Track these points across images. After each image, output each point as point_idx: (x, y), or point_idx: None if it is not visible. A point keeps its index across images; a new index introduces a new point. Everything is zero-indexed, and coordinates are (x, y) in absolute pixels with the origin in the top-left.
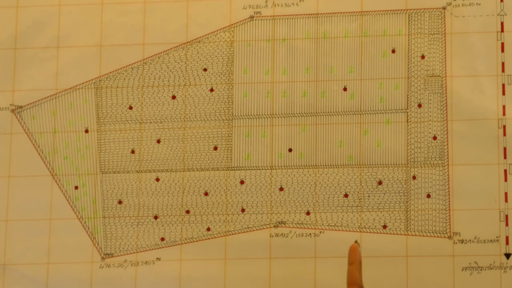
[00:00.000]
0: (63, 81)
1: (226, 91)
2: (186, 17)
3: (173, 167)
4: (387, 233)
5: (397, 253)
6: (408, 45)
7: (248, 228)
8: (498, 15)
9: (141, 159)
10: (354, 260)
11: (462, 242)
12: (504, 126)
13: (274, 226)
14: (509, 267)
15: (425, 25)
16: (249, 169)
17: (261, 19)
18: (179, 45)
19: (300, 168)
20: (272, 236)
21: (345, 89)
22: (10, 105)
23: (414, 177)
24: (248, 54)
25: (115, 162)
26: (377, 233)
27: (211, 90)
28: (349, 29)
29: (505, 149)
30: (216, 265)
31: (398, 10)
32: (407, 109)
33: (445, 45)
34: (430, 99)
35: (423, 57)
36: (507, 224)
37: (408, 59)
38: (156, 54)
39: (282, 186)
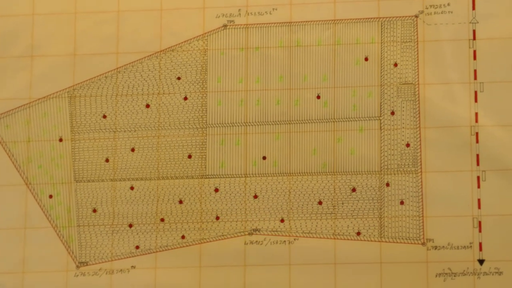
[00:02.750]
0: (37, 90)
1: (200, 100)
2: (159, 26)
3: (147, 176)
4: (361, 240)
5: (371, 260)
6: (381, 53)
7: (222, 235)
8: (470, 23)
9: (115, 168)
10: None
11: (435, 249)
12: (477, 133)
13: (249, 234)
14: (483, 273)
15: (397, 33)
16: (224, 177)
17: (234, 28)
18: (153, 54)
19: (274, 176)
20: (247, 244)
21: (318, 97)
22: None
23: (387, 184)
24: (221, 62)
25: (89, 170)
26: (351, 240)
27: (185, 98)
28: (322, 38)
29: (477, 156)
30: (191, 272)
31: (371, 18)
32: (380, 116)
33: (417, 53)
34: (403, 107)
35: (395, 65)
36: (480, 231)
37: (381, 67)
38: (130, 63)
39: (257, 194)
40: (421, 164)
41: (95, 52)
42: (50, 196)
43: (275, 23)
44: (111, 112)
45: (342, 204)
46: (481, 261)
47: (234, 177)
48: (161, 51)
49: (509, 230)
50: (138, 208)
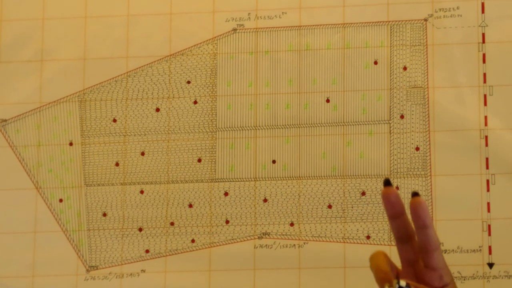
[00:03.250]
0: (47, 95)
1: (210, 103)
2: (169, 30)
3: (157, 179)
4: (371, 244)
5: None
6: (390, 57)
7: (232, 239)
8: (479, 26)
9: (125, 172)
10: (429, 222)
11: (445, 252)
12: (486, 137)
13: (258, 238)
14: (492, 276)
15: (407, 37)
16: (233, 181)
17: (244, 32)
18: (163, 58)
19: (283, 180)
20: (256, 248)
21: (328, 100)
22: None
23: (397, 188)
24: (231, 66)
25: (99, 174)
26: (361, 243)
27: (195, 102)
28: (332, 41)
29: (487, 159)
30: (201, 276)
31: (380, 22)
32: (390, 120)
33: (427, 57)
34: (413, 110)
35: (405, 68)
36: (489, 234)
37: (390, 71)
38: (140, 67)
39: (266, 198)
40: (430, 168)
41: (105, 56)
42: (60, 200)
43: (284, 27)
44: (121, 116)
45: (352, 207)
46: (490, 265)
47: (243, 181)
48: (171, 55)
49: None
50: (148, 212)
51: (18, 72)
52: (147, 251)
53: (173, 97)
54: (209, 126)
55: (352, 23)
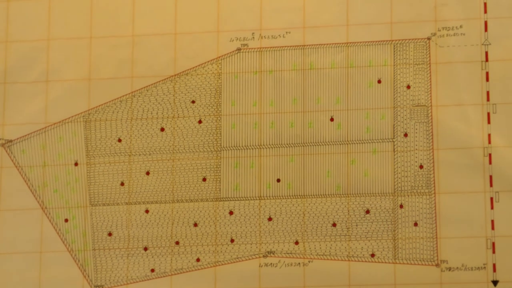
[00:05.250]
0: (52, 115)
1: (214, 123)
2: (174, 50)
3: (162, 199)
4: (375, 262)
5: (386, 282)
6: (394, 75)
7: (237, 258)
8: (482, 44)
9: (130, 191)
10: None
11: (449, 270)
12: (490, 155)
13: (263, 256)
14: None
15: (410, 56)
16: (238, 200)
17: (248, 51)
18: (167, 78)
19: (288, 198)
20: (262, 266)
21: (332, 119)
22: (0, 139)
23: (401, 206)
24: (235, 86)
25: (104, 194)
26: (365, 261)
27: (200, 122)
28: (335, 60)
29: (490, 177)
30: None
31: (383, 41)
32: (394, 138)
33: (430, 75)
34: (416, 129)
35: (408, 87)
36: (494, 252)
37: (394, 89)
38: (145, 87)
39: (271, 216)
40: (434, 186)
41: (110, 77)
42: (66, 220)
43: (288, 46)
44: (126, 136)
45: (356, 226)
46: (495, 282)
47: (248, 199)
48: (175, 75)
49: None
50: (153, 231)
51: (23, 93)
52: (152, 271)
53: (178, 117)
54: (214, 145)
55: (355, 42)
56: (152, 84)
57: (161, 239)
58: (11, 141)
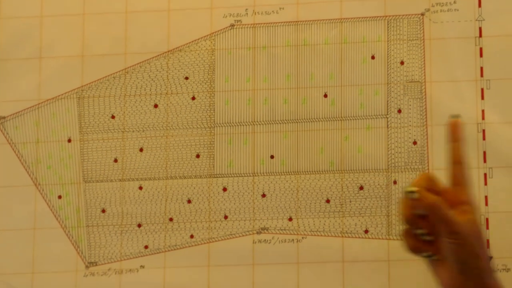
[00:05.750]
0: (45, 92)
1: (208, 99)
2: (167, 26)
3: (156, 175)
4: (369, 238)
5: (379, 258)
6: (387, 51)
7: (231, 235)
8: (476, 20)
9: (124, 168)
10: (458, 137)
11: None
12: (484, 130)
13: (257, 233)
14: None
15: (403, 31)
16: (232, 176)
17: (241, 27)
18: (161, 54)
19: (282, 175)
20: (255, 243)
21: (325, 95)
22: None
23: (395, 182)
24: (229, 62)
25: (98, 171)
26: (359, 238)
27: (193, 98)
28: (329, 36)
29: (484, 153)
30: (200, 272)
31: (377, 16)
32: (387, 114)
33: (424, 51)
34: (410, 105)
35: (402, 63)
36: (487, 228)
37: (388, 65)
38: (138, 64)
39: (265, 193)
40: (428, 162)
41: (103, 53)
42: (59, 197)
43: (282, 22)
44: (120, 112)
45: (350, 202)
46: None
47: (242, 176)
48: (168, 51)
49: None
50: (147, 208)
51: (16, 70)
52: (146, 247)
53: (171, 93)
54: (207, 122)
55: (349, 18)
56: (145, 61)
57: (155, 215)
58: (4, 117)
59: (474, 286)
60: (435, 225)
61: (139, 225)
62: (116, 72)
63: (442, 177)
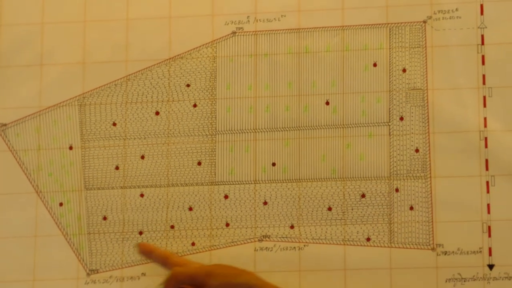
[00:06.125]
0: (46, 99)
1: (209, 107)
2: (168, 33)
3: (157, 183)
4: (371, 246)
5: (381, 266)
6: (389, 59)
7: (232, 242)
8: (478, 28)
9: (125, 175)
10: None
11: (445, 254)
12: (486, 138)
13: (259, 240)
14: (493, 278)
15: (406, 39)
16: (233, 184)
17: (243, 35)
18: (162, 61)
19: (283, 182)
20: (257, 250)
21: (327, 103)
22: None
23: (397, 190)
24: (230, 69)
25: (99, 178)
26: (361, 245)
27: (194, 105)
28: (331, 44)
29: (486, 161)
30: None
31: (379, 24)
32: (389, 122)
33: (426, 59)
34: (412, 112)
35: (404, 70)
36: (489, 235)
37: (390, 73)
38: (139, 71)
39: (266, 200)
40: (430, 170)
41: (105, 60)
42: (61, 204)
43: (283, 29)
44: (121, 119)
45: (352, 210)
46: (490, 266)
47: (243, 183)
48: (170, 58)
49: None
50: (148, 216)
51: (17, 77)
52: None
53: (173, 101)
54: (209, 129)
55: (351, 26)
56: (146, 68)
57: (156, 223)
58: (5, 124)
59: None
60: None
61: (141, 233)
62: (118, 79)
63: (446, 185)
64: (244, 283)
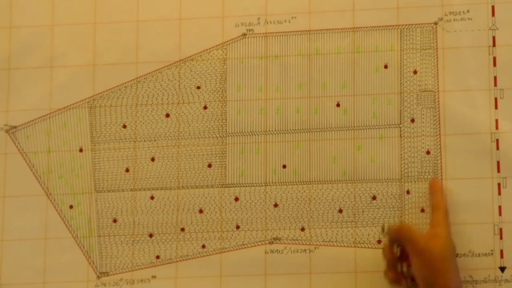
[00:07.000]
0: (57, 101)
1: (220, 109)
2: (179, 35)
3: (167, 185)
4: (382, 248)
5: None
6: (401, 61)
7: (243, 245)
8: (489, 29)
9: (135, 178)
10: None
11: (456, 256)
12: (497, 140)
13: (269, 243)
14: (504, 280)
15: (417, 41)
16: (244, 186)
17: (253, 37)
18: (172, 63)
19: (294, 184)
20: (267, 253)
21: (338, 105)
22: (4, 125)
23: (408, 192)
24: (241, 71)
25: (109, 180)
26: (372, 248)
27: (205, 107)
28: (342, 45)
29: (498, 162)
30: (212, 282)
31: (390, 26)
32: (400, 124)
33: (437, 60)
34: (423, 114)
35: (415, 72)
36: (501, 238)
37: (401, 75)
38: (150, 73)
39: (277, 203)
40: (441, 172)
41: (115, 62)
42: (71, 207)
43: (294, 31)
44: (131, 122)
45: (363, 212)
46: (502, 268)
47: (254, 186)
48: (180, 60)
49: None
50: (159, 218)
51: (28, 79)
52: (157, 257)
53: (183, 103)
54: (219, 131)
55: (362, 27)
56: (157, 70)
57: (167, 225)
58: (15, 127)
59: None
60: (409, 255)
61: (151, 235)
62: (128, 82)
63: (457, 187)
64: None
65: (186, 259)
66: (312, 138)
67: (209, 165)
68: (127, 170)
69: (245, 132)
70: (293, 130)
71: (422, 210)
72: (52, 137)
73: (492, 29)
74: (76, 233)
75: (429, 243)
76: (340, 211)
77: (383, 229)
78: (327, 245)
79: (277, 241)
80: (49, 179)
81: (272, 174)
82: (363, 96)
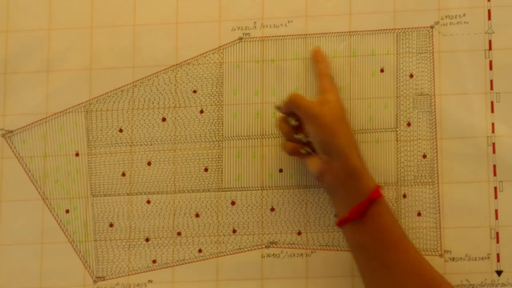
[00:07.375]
0: (53, 105)
1: (216, 113)
2: (175, 39)
3: (164, 189)
4: None
5: None
6: (397, 64)
7: (239, 249)
8: (486, 33)
9: (131, 182)
10: (321, 58)
11: (453, 260)
12: (494, 144)
13: (266, 247)
14: (501, 284)
15: (413, 44)
16: (240, 190)
17: (250, 41)
18: (169, 67)
19: (290, 188)
20: (264, 257)
21: None
22: (0, 129)
23: (404, 196)
24: (237, 75)
25: (106, 185)
26: None
27: (201, 111)
28: (338, 49)
29: (494, 166)
30: (208, 286)
31: (386, 29)
32: (397, 128)
33: (433, 64)
34: (419, 118)
35: (411, 76)
36: (498, 241)
37: (397, 78)
38: (146, 77)
39: (273, 207)
40: (438, 175)
41: (111, 66)
42: (67, 211)
43: (290, 35)
44: (128, 126)
45: None
46: (499, 272)
47: (250, 190)
48: (177, 64)
49: None
50: (155, 222)
51: (24, 83)
52: (154, 261)
53: (179, 107)
54: (216, 135)
55: (358, 31)
56: (153, 74)
57: (163, 230)
58: (11, 131)
59: (340, 166)
60: (303, 122)
61: (147, 240)
62: (124, 86)
63: (453, 191)
64: (337, 147)
65: (183, 263)
66: None
67: (206, 169)
68: (123, 174)
69: (241, 136)
70: None
71: (419, 214)
72: (49, 142)
73: (489, 33)
74: (73, 238)
75: (322, 108)
76: (337, 215)
77: (277, 107)
78: (324, 249)
79: (274, 245)
80: (45, 184)
81: (269, 178)
82: (359, 100)
